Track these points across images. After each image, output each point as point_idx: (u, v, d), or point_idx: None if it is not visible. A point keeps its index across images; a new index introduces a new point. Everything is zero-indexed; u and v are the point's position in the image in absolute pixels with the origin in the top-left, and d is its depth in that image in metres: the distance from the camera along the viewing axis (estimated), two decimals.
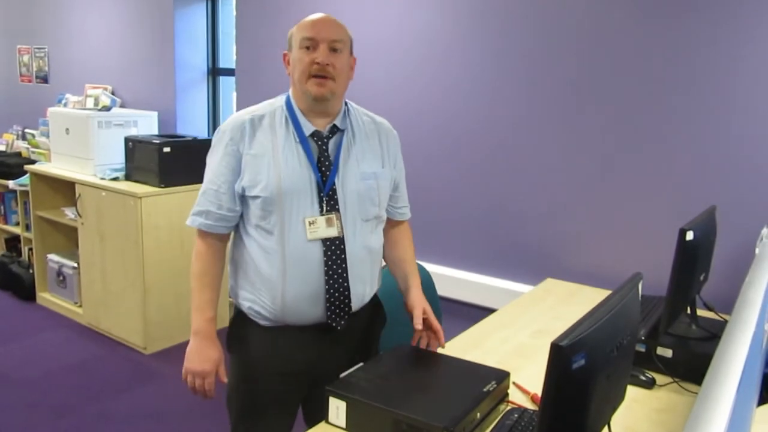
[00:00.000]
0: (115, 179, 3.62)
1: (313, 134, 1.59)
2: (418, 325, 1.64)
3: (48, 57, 4.92)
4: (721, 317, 1.91)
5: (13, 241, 4.64)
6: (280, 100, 1.65)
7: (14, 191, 4.39)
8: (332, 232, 1.56)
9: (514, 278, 2.72)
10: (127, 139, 3.65)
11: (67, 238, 4.16)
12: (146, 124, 3.96)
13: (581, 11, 2.45)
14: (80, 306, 3.90)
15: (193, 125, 4.12)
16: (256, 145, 1.55)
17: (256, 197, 1.53)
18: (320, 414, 1.43)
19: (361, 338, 1.72)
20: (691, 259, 1.68)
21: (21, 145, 4.88)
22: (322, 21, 1.57)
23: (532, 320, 2.09)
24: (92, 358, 3.42)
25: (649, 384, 1.63)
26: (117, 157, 3.73)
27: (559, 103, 2.54)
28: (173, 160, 3.48)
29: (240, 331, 1.65)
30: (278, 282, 1.56)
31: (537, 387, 1.55)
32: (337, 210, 1.57)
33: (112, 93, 4.42)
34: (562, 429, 0.96)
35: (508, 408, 1.46)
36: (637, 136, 2.38)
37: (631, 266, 2.37)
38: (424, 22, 2.87)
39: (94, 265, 3.69)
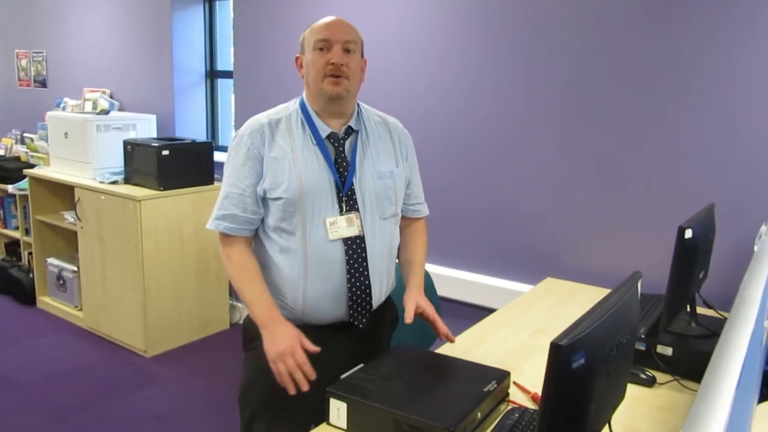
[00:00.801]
0: (114, 183, 3.62)
1: (329, 136, 1.62)
2: (407, 319, 1.65)
3: (46, 61, 4.92)
4: (721, 315, 1.91)
5: (12, 246, 4.64)
6: (294, 104, 1.67)
7: (13, 195, 4.39)
8: (353, 231, 1.60)
9: (514, 278, 2.73)
10: (125, 143, 3.65)
11: (67, 241, 4.16)
12: (145, 128, 3.96)
13: (581, 11, 2.45)
14: (80, 310, 3.90)
15: (191, 128, 4.12)
16: (276, 149, 1.58)
17: (277, 199, 1.56)
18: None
19: (375, 337, 1.73)
20: (690, 257, 1.68)
21: (20, 150, 4.88)
22: (336, 23, 1.60)
23: (531, 320, 2.09)
24: (93, 362, 3.42)
25: (650, 382, 1.63)
26: (116, 161, 3.73)
27: (558, 102, 2.55)
28: (172, 163, 3.48)
29: (256, 329, 1.65)
30: (299, 282, 1.59)
31: (537, 386, 1.55)
32: (357, 210, 1.61)
33: (111, 96, 4.42)
34: (563, 428, 0.96)
35: (509, 408, 1.46)
36: (636, 135, 2.38)
37: (630, 265, 2.37)
38: (424, 23, 2.87)
39: (93, 268, 3.69)
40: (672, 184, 2.32)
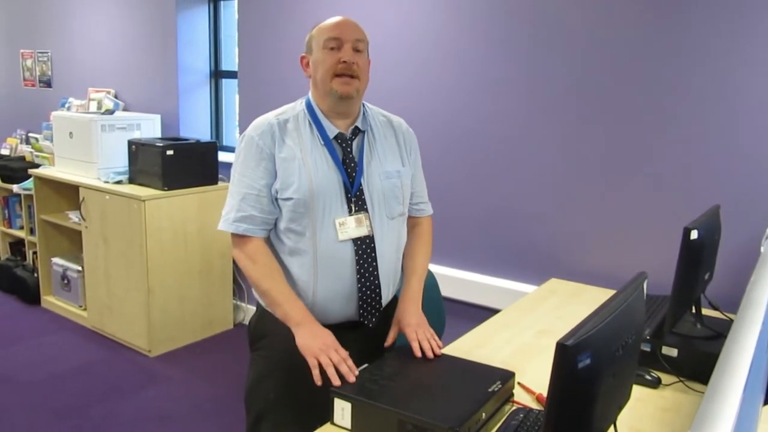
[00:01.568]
0: (119, 182, 3.63)
1: (337, 136, 1.62)
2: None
3: (51, 61, 4.93)
4: (727, 316, 1.90)
5: (17, 245, 4.66)
6: (300, 104, 1.67)
7: (18, 195, 4.40)
8: (363, 232, 1.61)
9: (518, 278, 2.72)
10: (130, 143, 3.65)
11: (71, 241, 4.17)
12: (149, 127, 3.97)
13: (584, 11, 2.45)
14: (85, 309, 3.91)
15: (195, 128, 4.13)
16: (285, 149, 1.58)
17: (288, 199, 1.56)
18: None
19: (382, 336, 1.73)
20: (696, 258, 1.67)
21: (25, 150, 4.89)
22: (345, 22, 1.61)
23: (536, 320, 2.09)
24: (97, 361, 3.43)
25: (655, 383, 1.62)
26: (120, 161, 3.74)
27: (563, 102, 2.54)
28: (176, 163, 3.49)
29: (264, 329, 1.66)
30: (309, 282, 1.60)
31: (542, 387, 1.55)
32: (365, 210, 1.62)
33: (115, 96, 4.43)
34: (568, 429, 0.95)
35: (514, 408, 1.46)
36: (641, 135, 2.38)
37: (635, 266, 2.36)
38: (426, 24, 2.87)
39: (98, 268, 3.70)
40: (678, 185, 2.32)
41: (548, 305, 2.24)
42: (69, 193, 3.99)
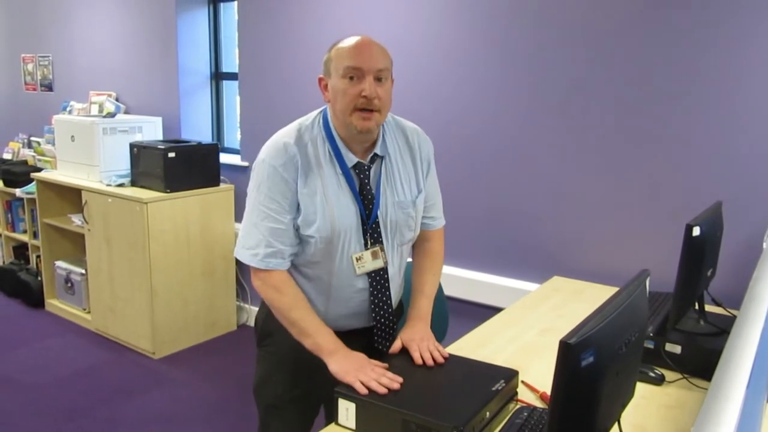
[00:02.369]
0: (121, 185, 3.64)
1: (356, 166, 1.56)
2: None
3: (52, 65, 4.94)
4: (730, 312, 1.90)
5: (20, 249, 4.67)
6: (317, 125, 1.57)
7: (21, 199, 4.41)
8: (378, 264, 1.60)
9: (521, 277, 2.72)
10: (132, 145, 3.66)
11: (75, 244, 4.18)
12: (151, 130, 3.98)
13: (586, 10, 2.45)
14: (88, 312, 3.91)
15: (197, 130, 4.13)
16: (308, 183, 1.51)
17: (310, 236, 1.52)
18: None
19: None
20: (698, 255, 1.67)
21: (27, 153, 4.90)
22: (367, 47, 1.47)
23: (539, 319, 2.09)
24: (101, 364, 3.43)
25: (659, 380, 1.62)
26: (122, 163, 3.75)
27: (564, 101, 2.54)
28: (178, 165, 3.49)
29: (271, 327, 1.66)
30: (321, 305, 1.62)
31: (546, 385, 1.55)
32: (381, 242, 1.59)
33: (117, 99, 4.44)
34: (572, 427, 0.95)
35: (518, 407, 1.46)
36: (643, 133, 2.37)
37: (637, 263, 2.36)
38: (429, 25, 2.87)
39: (101, 271, 3.71)
40: (679, 182, 2.32)
41: (551, 303, 2.24)
42: (71, 197, 3.99)
